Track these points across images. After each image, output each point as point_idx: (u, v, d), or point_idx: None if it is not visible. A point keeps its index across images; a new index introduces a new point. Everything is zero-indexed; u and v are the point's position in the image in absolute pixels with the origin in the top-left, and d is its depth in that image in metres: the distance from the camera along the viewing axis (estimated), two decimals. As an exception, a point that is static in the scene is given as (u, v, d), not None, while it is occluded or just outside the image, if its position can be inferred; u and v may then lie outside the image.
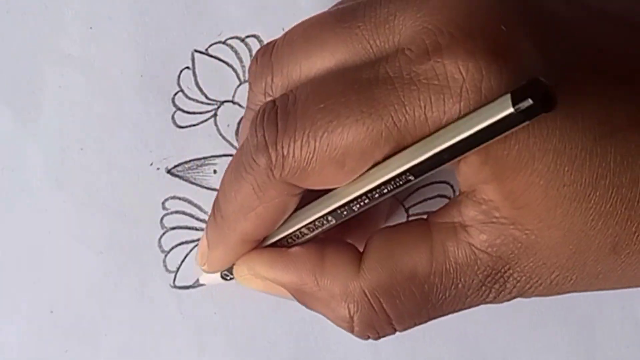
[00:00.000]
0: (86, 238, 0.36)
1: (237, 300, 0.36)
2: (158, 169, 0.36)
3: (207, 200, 0.36)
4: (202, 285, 0.35)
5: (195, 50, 0.36)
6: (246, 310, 0.36)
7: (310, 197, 0.29)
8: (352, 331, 0.30)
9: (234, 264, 0.32)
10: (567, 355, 0.36)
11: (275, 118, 0.27)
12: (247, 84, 0.36)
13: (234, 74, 0.36)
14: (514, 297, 0.28)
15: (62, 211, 0.36)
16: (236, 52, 0.36)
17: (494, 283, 0.28)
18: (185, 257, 0.36)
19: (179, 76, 0.36)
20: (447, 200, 0.36)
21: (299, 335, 0.36)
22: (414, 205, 0.36)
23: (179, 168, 0.36)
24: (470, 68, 0.25)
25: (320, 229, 0.29)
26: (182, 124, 0.36)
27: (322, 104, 0.26)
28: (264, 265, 0.30)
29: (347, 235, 0.33)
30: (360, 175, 0.27)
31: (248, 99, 0.31)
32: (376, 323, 0.29)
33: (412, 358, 0.36)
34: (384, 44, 0.27)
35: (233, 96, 0.36)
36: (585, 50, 0.27)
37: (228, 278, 0.33)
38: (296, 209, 0.30)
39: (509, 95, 0.23)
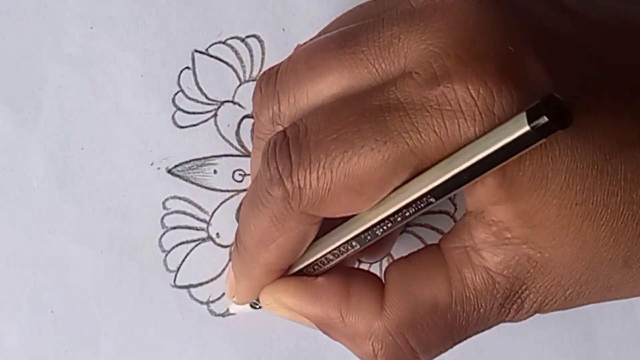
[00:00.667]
0: (86, 238, 0.35)
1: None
2: (158, 168, 0.36)
3: (207, 200, 0.36)
4: (232, 314, 0.35)
5: (196, 50, 0.36)
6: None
7: (330, 223, 0.29)
8: None
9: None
10: (567, 355, 0.36)
11: (287, 150, 0.27)
12: (247, 84, 0.36)
13: (234, 74, 0.36)
14: (531, 315, 0.29)
15: (62, 211, 0.36)
16: (236, 52, 0.36)
17: (512, 304, 0.28)
18: (185, 257, 0.36)
19: (179, 76, 0.36)
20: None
21: (299, 335, 0.36)
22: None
23: (180, 168, 0.36)
24: (481, 92, 0.25)
25: (344, 255, 0.29)
26: (183, 124, 0.36)
27: (335, 134, 0.26)
28: (289, 297, 0.30)
29: (362, 254, 0.32)
30: (381, 200, 0.27)
31: (255, 128, 0.31)
32: (401, 359, 0.29)
33: (413, 358, 0.36)
34: (390, 67, 0.26)
35: (233, 96, 0.36)
36: (591, 65, 0.27)
37: (257, 307, 0.33)
38: (318, 236, 0.30)
39: (524, 114, 0.23)
